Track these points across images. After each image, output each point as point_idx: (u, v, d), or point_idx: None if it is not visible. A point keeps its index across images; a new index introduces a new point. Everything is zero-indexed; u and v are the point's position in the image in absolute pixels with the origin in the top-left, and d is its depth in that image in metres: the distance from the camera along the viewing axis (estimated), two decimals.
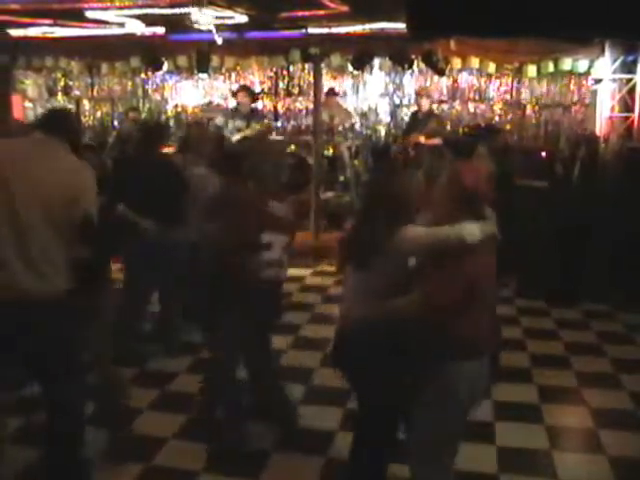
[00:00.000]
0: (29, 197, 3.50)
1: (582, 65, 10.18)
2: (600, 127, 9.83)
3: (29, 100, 13.09)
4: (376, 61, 11.33)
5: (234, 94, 10.80)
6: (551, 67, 10.36)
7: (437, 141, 9.38)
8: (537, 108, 11.20)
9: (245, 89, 10.67)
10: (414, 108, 10.66)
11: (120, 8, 9.04)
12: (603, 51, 9.70)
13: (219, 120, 10.25)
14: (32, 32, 10.98)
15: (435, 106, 10.95)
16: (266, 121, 10.36)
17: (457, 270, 3.18)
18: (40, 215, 3.50)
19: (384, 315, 3.40)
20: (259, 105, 11.92)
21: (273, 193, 4.28)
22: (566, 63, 10.21)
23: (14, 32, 10.96)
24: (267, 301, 4.33)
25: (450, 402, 3.31)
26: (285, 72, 12.15)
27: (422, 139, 9.49)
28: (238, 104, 10.32)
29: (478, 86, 11.43)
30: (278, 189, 4.37)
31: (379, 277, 3.44)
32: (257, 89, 12.01)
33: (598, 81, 9.94)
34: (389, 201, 3.47)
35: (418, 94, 10.20)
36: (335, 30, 10.18)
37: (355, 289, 3.63)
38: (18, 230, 3.51)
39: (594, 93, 10.16)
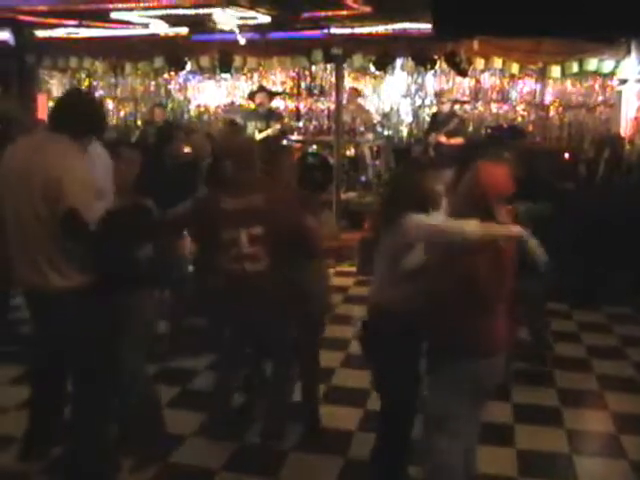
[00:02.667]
0: (23, 193, 3.55)
1: (607, 65, 10.10)
2: (625, 128, 9.75)
3: (54, 100, 13.22)
4: (398, 61, 11.32)
5: (251, 96, 10.84)
6: (575, 67, 10.30)
7: (459, 141, 9.34)
8: (561, 109, 11.12)
9: (263, 90, 10.72)
10: (435, 109, 10.65)
11: (145, 9, 9.10)
12: (629, 51, 9.63)
13: (238, 121, 10.29)
14: (57, 33, 11.10)
15: (457, 107, 10.91)
16: (277, 126, 10.33)
17: (455, 263, 3.20)
18: (31, 211, 3.54)
19: (392, 303, 3.52)
20: (280, 105, 11.96)
21: (232, 190, 4.29)
22: (591, 63, 10.14)
23: (40, 33, 11.09)
24: (241, 297, 4.27)
25: (453, 396, 3.36)
26: (307, 72, 12.17)
27: (443, 139, 9.47)
28: (258, 105, 10.36)
29: (501, 87, 11.37)
30: (240, 186, 4.33)
31: (389, 264, 3.57)
32: (279, 89, 12.05)
33: (623, 82, 9.87)
34: (409, 197, 3.55)
35: (439, 98, 10.15)
36: (357, 30, 10.19)
37: (375, 276, 3.76)
38: (19, 226, 3.61)
39: (619, 94, 10.08)
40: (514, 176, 4.84)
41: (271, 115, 10.32)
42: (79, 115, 3.71)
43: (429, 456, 3.50)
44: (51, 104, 12.99)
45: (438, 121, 9.82)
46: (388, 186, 3.98)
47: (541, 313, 5.76)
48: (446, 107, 9.84)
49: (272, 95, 10.88)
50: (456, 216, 3.32)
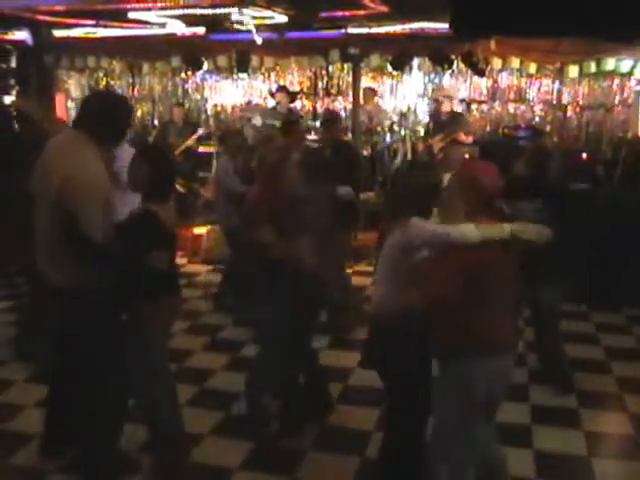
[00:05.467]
0: (44, 193, 3.69)
1: (625, 65, 10.01)
2: None
3: (72, 99, 13.30)
4: (415, 61, 11.28)
5: (272, 94, 10.85)
6: (593, 67, 10.21)
7: (470, 139, 9.23)
8: (578, 109, 11.05)
9: (284, 89, 10.71)
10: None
11: (162, 9, 9.13)
12: None
13: (257, 120, 10.29)
14: (75, 32, 11.16)
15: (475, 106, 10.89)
16: (300, 120, 10.32)
17: (454, 266, 3.24)
18: (48, 210, 3.68)
19: (396, 306, 3.52)
20: (298, 105, 11.95)
21: None
22: (609, 63, 10.05)
23: (58, 33, 11.15)
24: None
25: (462, 399, 3.35)
26: (324, 72, 12.16)
27: (463, 137, 9.31)
28: (277, 104, 10.38)
29: (518, 87, 11.32)
30: None
31: (392, 267, 3.58)
32: (296, 89, 12.04)
33: None
34: (410, 198, 3.59)
35: (436, 100, 9.83)
36: (374, 30, 10.14)
37: (379, 278, 3.77)
38: (40, 225, 3.78)
39: (637, 94, 10.00)
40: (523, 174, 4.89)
41: (290, 115, 10.30)
42: (100, 118, 3.76)
43: (441, 459, 3.47)
44: (70, 104, 13.13)
45: (442, 121, 9.56)
46: (391, 188, 4.05)
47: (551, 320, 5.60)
48: (446, 106, 9.65)
49: (293, 96, 10.84)
50: (466, 215, 3.36)
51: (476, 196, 3.31)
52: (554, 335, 5.38)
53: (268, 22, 9.63)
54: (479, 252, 3.20)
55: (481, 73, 10.57)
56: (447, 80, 11.51)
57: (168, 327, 4.20)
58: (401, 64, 10.99)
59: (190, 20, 10.01)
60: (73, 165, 3.65)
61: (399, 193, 3.72)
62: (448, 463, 3.43)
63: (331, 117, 7.91)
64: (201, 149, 10.92)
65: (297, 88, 12.11)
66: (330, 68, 12.01)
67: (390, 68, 11.12)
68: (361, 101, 10.83)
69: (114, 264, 3.70)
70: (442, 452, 3.44)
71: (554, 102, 11.14)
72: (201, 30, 10.55)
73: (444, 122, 9.38)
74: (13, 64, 11.79)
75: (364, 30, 10.16)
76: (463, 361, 3.32)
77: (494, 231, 3.25)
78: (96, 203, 3.59)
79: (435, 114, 9.83)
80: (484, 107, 11.46)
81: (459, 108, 11.04)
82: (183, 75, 12.86)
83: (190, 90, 13.00)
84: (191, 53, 11.75)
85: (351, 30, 10.18)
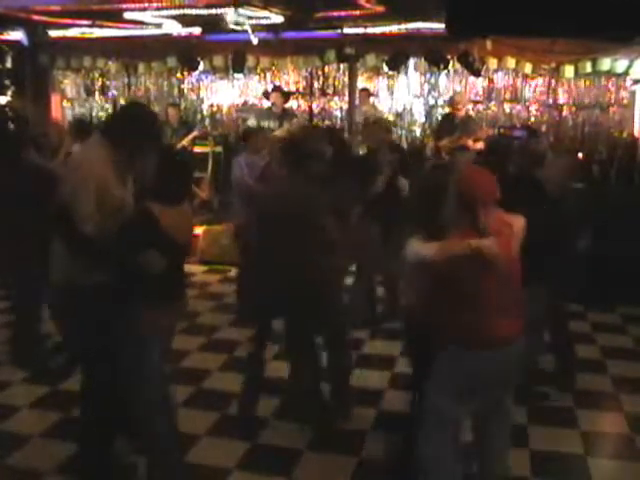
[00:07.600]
0: None
1: (621, 65, 10.04)
2: (639, 128, 9.70)
3: (67, 100, 13.28)
4: (411, 61, 11.29)
5: (266, 95, 10.84)
6: (589, 67, 10.23)
7: (480, 145, 9.22)
8: (574, 109, 11.06)
9: (278, 89, 10.71)
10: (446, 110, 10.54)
11: (158, 9, 9.13)
12: None
13: (252, 120, 10.28)
14: (71, 33, 11.15)
15: (471, 106, 10.87)
16: (295, 120, 10.28)
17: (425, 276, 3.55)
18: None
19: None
20: (293, 105, 11.94)
21: None
22: (605, 63, 10.07)
23: (53, 33, 11.15)
24: None
25: (439, 385, 3.52)
26: (320, 72, 12.15)
27: (470, 143, 9.28)
28: (272, 104, 10.36)
29: (514, 86, 11.32)
30: None
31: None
32: (292, 89, 12.03)
33: (637, 81, 9.82)
34: (426, 197, 3.77)
35: (454, 106, 9.80)
36: (370, 30, 10.17)
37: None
38: None
39: (633, 94, 10.02)
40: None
41: (285, 115, 10.29)
42: (117, 126, 3.86)
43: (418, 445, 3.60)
44: (65, 104, 13.12)
45: (455, 123, 9.55)
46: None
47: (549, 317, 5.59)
48: (463, 111, 9.64)
49: (287, 96, 10.82)
50: (448, 222, 3.50)
51: (466, 204, 3.37)
52: (563, 336, 5.41)
53: (264, 22, 9.64)
54: (444, 265, 3.35)
55: (477, 73, 10.58)
56: (444, 81, 11.51)
57: (169, 331, 4.05)
58: (397, 64, 11.00)
59: (186, 20, 10.02)
60: (74, 160, 3.87)
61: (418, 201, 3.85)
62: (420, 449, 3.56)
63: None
64: (196, 149, 10.90)
65: (293, 88, 12.11)
66: (326, 68, 12.01)
67: (386, 68, 11.14)
68: (357, 101, 10.84)
69: (100, 259, 3.69)
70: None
71: (550, 102, 11.15)
72: (197, 30, 10.57)
73: (455, 125, 9.38)
74: (8, 64, 11.82)
75: (360, 30, 10.18)
76: (443, 352, 3.52)
77: (456, 248, 3.33)
78: (84, 192, 3.57)
79: (448, 116, 9.80)
80: (480, 107, 11.45)
81: None
82: (179, 75, 12.84)
83: (186, 90, 12.97)
84: (187, 53, 11.76)
85: (347, 30, 10.20)
